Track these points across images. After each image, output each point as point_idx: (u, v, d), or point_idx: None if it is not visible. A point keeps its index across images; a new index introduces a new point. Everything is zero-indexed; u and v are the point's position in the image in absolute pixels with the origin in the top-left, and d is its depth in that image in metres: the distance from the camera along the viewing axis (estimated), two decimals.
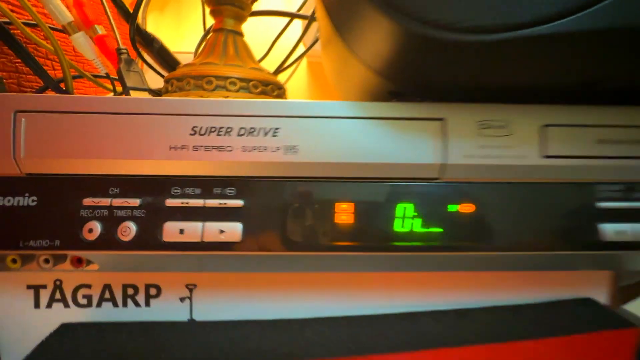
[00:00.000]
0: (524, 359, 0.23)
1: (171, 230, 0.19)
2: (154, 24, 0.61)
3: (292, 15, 0.42)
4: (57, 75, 0.34)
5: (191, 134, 0.19)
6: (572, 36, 0.14)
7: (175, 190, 0.20)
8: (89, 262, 0.21)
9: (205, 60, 0.31)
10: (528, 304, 0.26)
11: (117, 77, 0.32)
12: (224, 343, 0.22)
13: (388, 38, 0.17)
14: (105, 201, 0.20)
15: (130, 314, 0.25)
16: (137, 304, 0.25)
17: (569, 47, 0.15)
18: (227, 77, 0.29)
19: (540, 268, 0.26)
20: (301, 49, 0.46)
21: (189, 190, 0.20)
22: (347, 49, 0.21)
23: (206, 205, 0.20)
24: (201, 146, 0.19)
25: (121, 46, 0.31)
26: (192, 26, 0.60)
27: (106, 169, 0.20)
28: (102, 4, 0.32)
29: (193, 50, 0.44)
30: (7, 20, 0.28)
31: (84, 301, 0.25)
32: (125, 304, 0.25)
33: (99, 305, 0.25)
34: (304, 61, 0.60)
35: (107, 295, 0.25)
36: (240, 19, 0.34)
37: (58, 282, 0.24)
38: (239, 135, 0.20)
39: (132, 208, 0.20)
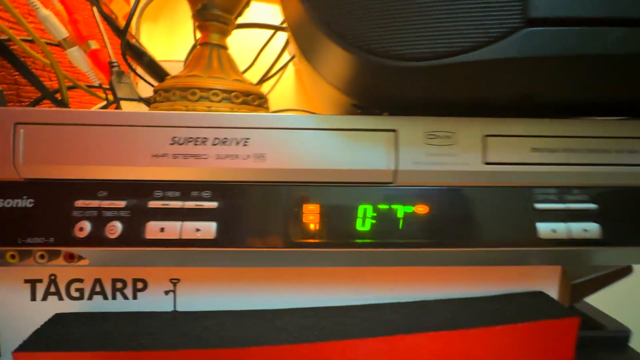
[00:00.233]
0: (473, 344, 0.25)
1: (153, 228, 0.22)
2: (148, 34, 0.64)
3: (276, 28, 0.44)
4: (54, 86, 0.37)
5: (171, 144, 0.22)
6: (488, 63, 0.17)
7: (157, 193, 0.22)
8: (80, 258, 0.24)
9: (190, 73, 0.33)
10: (482, 297, 0.29)
11: (109, 88, 0.34)
12: (202, 331, 0.24)
13: (342, 63, 0.20)
14: (95, 203, 0.22)
15: (119, 305, 0.27)
16: (125, 297, 0.27)
17: (489, 71, 0.18)
18: (211, 89, 0.32)
19: (493, 263, 0.29)
20: (287, 57, 0.49)
21: (169, 193, 0.22)
22: (313, 68, 0.23)
23: (184, 207, 0.22)
24: (180, 154, 0.22)
25: (113, 59, 0.33)
26: (184, 36, 0.62)
27: (96, 174, 0.22)
28: (96, 20, 0.35)
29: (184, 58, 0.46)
30: (6, 37, 0.31)
31: (76, 294, 0.27)
32: (114, 297, 0.27)
33: (90, 298, 0.27)
34: (291, 69, 0.63)
35: (97, 288, 0.27)
36: (225, 34, 0.36)
37: (53, 277, 0.27)
38: (213, 144, 0.22)
39: (118, 209, 0.22)
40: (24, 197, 0.22)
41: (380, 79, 0.20)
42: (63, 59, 0.36)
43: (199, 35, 0.37)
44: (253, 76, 0.45)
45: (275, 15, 0.60)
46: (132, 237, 0.22)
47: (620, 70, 0.18)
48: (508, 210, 0.24)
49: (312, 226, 0.23)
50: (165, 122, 0.22)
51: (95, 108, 0.38)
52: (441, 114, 0.23)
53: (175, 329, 0.24)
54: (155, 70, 0.38)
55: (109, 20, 0.33)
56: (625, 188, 0.24)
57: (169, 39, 0.65)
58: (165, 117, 0.22)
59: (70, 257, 0.24)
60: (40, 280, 0.27)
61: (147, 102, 0.37)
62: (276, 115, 0.23)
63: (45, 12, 0.32)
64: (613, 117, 0.25)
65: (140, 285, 0.27)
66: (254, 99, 0.34)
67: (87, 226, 0.22)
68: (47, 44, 0.33)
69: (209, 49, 0.35)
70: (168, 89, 0.32)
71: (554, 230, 0.24)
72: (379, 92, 0.22)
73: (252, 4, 0.39)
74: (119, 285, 0.27)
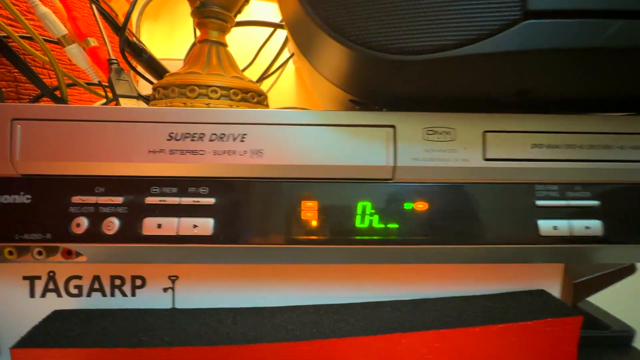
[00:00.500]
0: (473, 343, 0.25)
1: (150, 224, 0.22)
2: (148, 32, 0.64)
3: (275, 26, 0.44)
4: (53, 84, 0.37)
5: (168, 140, 0.22)
6: (486, 56, 0.17)
7: (154, 189, 0.22)
8: (78, 254, 0.24)
9: (189, 70, 0.33)
10: (483, 295, 0.29)
11: (108, 85, 0.34)
12: (199, 327, 0.24)
13: (339, 59, 0.20)
14: (92, 199, 0.22)
15: (117, 302, 0.27)
16: (123, 294, 0.27)
17: (487, 65, 0.18)
18: (209, 86, 0.32)
19: (494, 261, 0.28)
20: (286, 54, 0.49)
21: (166, 190, 0.22)
22: (311, 65, 0.23)
23: (181, 203, 0.22)
24: (177, 150, 0.22)
25: (112, 57, 0.33)
26: (184, 34, 0.62)
27: (93, 170, 0.22)
28: (95, 17, 0.34)
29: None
30: (4, 34, 0.31)
31: (75, 291, 0.27)
32: (112, 294, 0.27)
33: (88, 295, 0.27)
34: (291, 67, 0.63)
35: (96, 285, 0.27)
36: (224, 31, 0.36)
37: (51, 274, 0.27)
38: (210, 140, 0.22)
39: (115, 205, 0.22)
40: (21, 193, 0.22)
41: (378, 73, 0.20)
42: (62, 57, 0.36)
43: (199, 33, 0.37)
44: (253, 74, 0.45)
45: (275, 13, 0.60)
46: (129, 233, 0.22)
47: (621, 63, 0.18)
48: (508, 207, 0.24)
49: (310, 223, 0.23)
50: (162, 117, 0.22)
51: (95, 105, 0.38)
52: (439, 110, 0.23)
53: (173, 325, 0.24)
54: (155, 67, 0.38)
55: (108, 17, 0.33)
56: (628, 185, 0.24)
57: (169, 38, 0.65)
58: (163, 113, 0.22)
59: (68, 254, 0.24)
60: (39, 277, 0.27)
61: (146, 99, 0.37)
62: (273, 111, 0.22)
63: (43, 9, 0.32)
64: (616, 112, 0.25)
65: (138, 282, 0.27)
66: (253, 96, 0.34)
67: (84, 222, 0.22)
68: (46, 41, 0.33)
69: (208, 46, 0.35)
70: (167, 86, 0.32)
71: (555, 228, 0.23)
72: (376, 87, 0.21)
73: (251, 2, 0.38)
74: (117, 282, 0.27)
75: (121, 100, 0.33)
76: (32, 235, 0.22)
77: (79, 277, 0.27)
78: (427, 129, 0.23)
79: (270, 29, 0.46)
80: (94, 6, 0.34)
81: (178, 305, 0.27)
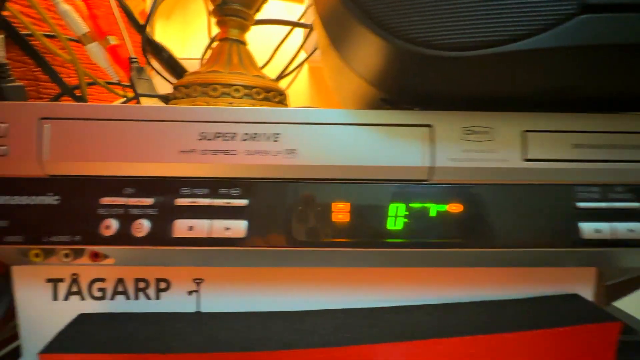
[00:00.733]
0: (509, 350, 0.24)
1: (181, 227, 0.21)
2: (161, 31, 0.64)
3: (294, 24, 0.44)
4: (72, 83, 0.36)
5: (199, 139, 0.21)
6: (540, 52, 0.16)
7: (185, 191, 0.22)
8: (105, 257, 0.23)
9: (211, 69, 0.33)
10: (516, 299, 0.28)
11: (128, 84, 0.34)
12: (228, 333, 0.23)
13: (377, 53, 0.19)
14: (121, 200, 0.21)
15: (141, 306, 0.27)
16: (148, 297, 0.27)
17: (539, 61, 0.17)
18: (232, 85, 0.31)
19: (527, 265, 0.28)
20: (302, 55, 0.48)
21: (197, 191, 0.22)
22: (342, 60, 0.22)
23: (213, 205, 0.21)
24: (208, 150, 0.21)
25: (132, 55, 0.33)
26: (197, 33, 0.62)
27: (122, 171, 0.22)
28: (115, 16, 0.34)
29: (198, 55, 0.46)
30: (28, 32, 0.31)
31: (98, 294, 0.26)
32: (137, 297, 0.27)
33: (112, 298, 0.26)
34: (305, 66, 0.62)
35: (120, 288, 0.27)
36: (244, 29, 0.36)
37: (75, 276, 0.26)
38: (242, 140, 0.21)
39: (145, 206, 0.21)
40: (49, 193, 0.21)
41: (418, 70, 0.19)
42: (80, 56, 0.36)
43: (213, 32, 0.36)
44: (268, 74, 0.44)
45: (290, 12, 0.59)
46: (160, 235, 0.21)
47: None
48: (548, 209, 0.23)
49: (342, 225, 0.23)
50: (193, 116, 0.21)
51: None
52: (472, 109, 0.22)
53: (200, 330, 0.24)
54: (174, 66, 0.38)
55: (130, 14, 0.33)
56: None
57: (182, 36, 0.64)
58: (193, 112, 0.21)
59: (95, 256, 0.23)
60: (62, 280, 0.26)
61: (166, 98, 0.36)
62: (307, 110, 0.22)
63: (65, 6, 0.31)
64: None
65: (163, 285, 0.27)
66: (275, 96, 0.34)
67: (113, 224, 0.21)
68: (67, 39, 0.32)
69: (228, 45, 0.34)
70: (188, 85, 0.32)
71: (597, 231, 0.23)
72: (414, 84, 0.21)
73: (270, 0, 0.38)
74: (141, 285, 0.27)
75: (142, 99, 0.33)
76: (60, 238, 0.21)
77: (103, 280, 0.26)
78: (465, 128, 0.22)
79: (283, 29, 0.45)
80: (113, 3, 0.34)
81: (203, 309, 0.27)
